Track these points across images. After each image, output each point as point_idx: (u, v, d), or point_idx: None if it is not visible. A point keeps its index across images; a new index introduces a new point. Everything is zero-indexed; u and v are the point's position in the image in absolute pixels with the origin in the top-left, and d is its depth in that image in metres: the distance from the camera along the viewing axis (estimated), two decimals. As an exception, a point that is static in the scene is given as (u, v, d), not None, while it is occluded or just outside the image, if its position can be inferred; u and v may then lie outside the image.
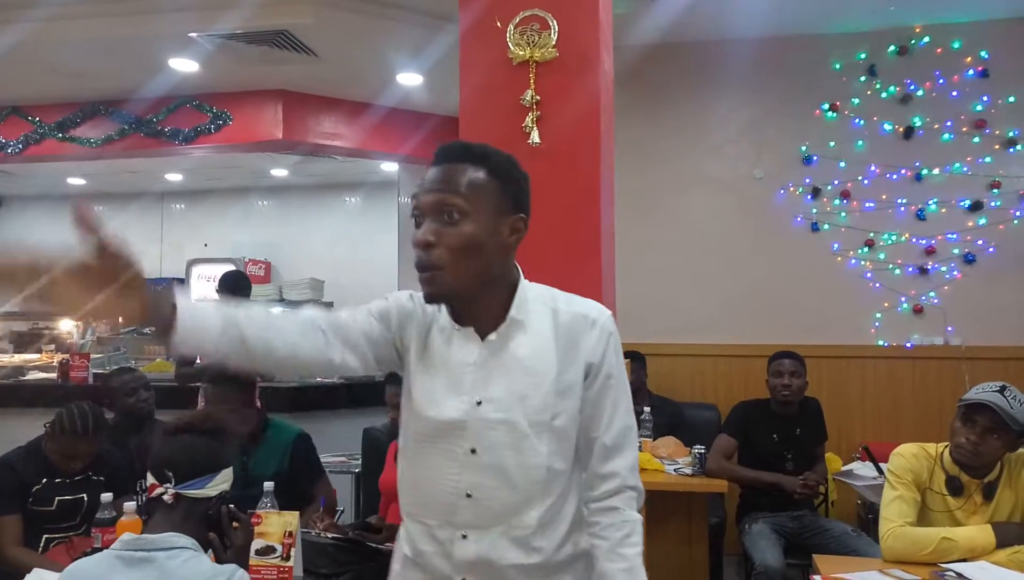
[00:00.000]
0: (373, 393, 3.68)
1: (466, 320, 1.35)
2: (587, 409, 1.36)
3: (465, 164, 1.29)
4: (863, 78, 4.53)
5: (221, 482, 1.68)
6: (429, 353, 1.37)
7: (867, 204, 4.50)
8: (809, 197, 4.57)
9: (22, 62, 4.68)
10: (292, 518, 2.00)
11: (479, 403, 1.32)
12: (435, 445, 1.35)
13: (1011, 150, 4.36)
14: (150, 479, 1.64)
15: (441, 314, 1.38)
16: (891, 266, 4.47)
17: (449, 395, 1.33)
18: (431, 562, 1.36)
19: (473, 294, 1.31)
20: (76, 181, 8.36)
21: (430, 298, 1.29)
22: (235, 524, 1.75)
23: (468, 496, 1.32)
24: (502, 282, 1.35)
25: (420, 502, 1.38)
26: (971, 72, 4.42)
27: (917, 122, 4.45)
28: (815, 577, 2.10)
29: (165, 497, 1.59)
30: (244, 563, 1.69)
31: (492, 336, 1.34)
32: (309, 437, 2.97)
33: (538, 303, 1.37)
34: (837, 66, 4.55)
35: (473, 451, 1.32)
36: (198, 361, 4.22)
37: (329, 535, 2.38)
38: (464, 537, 1.33)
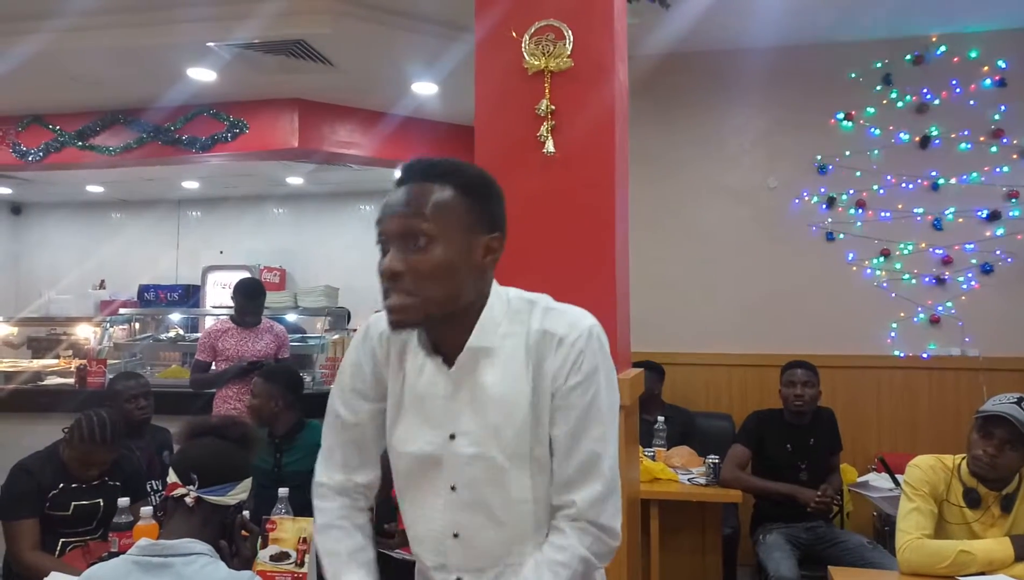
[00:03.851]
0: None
1: (437, 347, 1.27)
2: (552, 434, 1.24)
3: (431, 183, 1.18)
4: (879, 87, 4.51)
5: (241, 491, 1.69)
6: (404, 385, 1.30)
7: (883, 214, 4.48)
8: (824, 206, 4.55)
9: (43, 71, 4.75)
10: (307, 524, 2.00)
11: (452, 437, 1.24)
12: (417, 482, 1.29)
13: (1029, 160, 4.33)
14: (172, 477, 1.65)
15: (413, 339, 1.30)
16: (907, 276, 4.44)
17: (423, 429, 1.27)
18: None
19: (447, 317, 1.21)
20: (95, 189, 8.46)
21: (397, 328, 1.20)
22: (245, 533, 1.77)
23: (455, 536, 1.26)
24: (474, 307, 1.24)
25: (415, 540, 1.33)
26: (988, 81, 4.40)
27: (934, 131, 4.43)
28: (830, 589, 2.09)
29: (187, 499, 1.60)
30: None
31: (454, 367, 1.25)
32: None
33: (514, 322, 1.26)
34: (852, 75, 4.54)
35: (453, 488, 1.25)
36: (213, 366, 4.27)
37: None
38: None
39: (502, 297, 1.27)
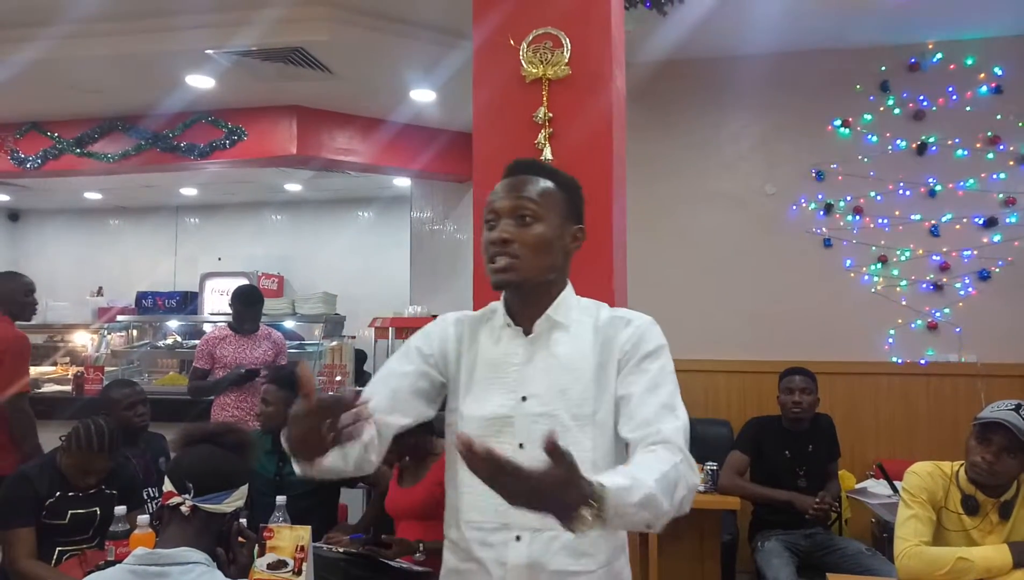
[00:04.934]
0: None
1: (518, 319, 1.47)
2: (625, 393, 1.38)
3: (537, 176, 1.45)
4: (875, 94, 4.52)
5: (237, 499, 1.69)
6: (479, 360, 1.48)
7: (880, 220, 4.49)
8: (821, 213, 4.56)
9: (42, 79, 4.75)
10: (304, 532, 2.00)
11: (524, 399, 1.41)
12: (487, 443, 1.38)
13: (1025, 166, 4.34)
14: (168, 485, 1.65)
15: (495, 317, 1.51)
16: (905, 282, 4.44)
17: (497, 393, 1.43)
18: (486, 567, 1.39)
19: (536, 288, 1.43)
20: (93, 196, 8.44)
21: (500, 285, 1.41)
22: (241, 539, 1.76)
23: None
24: (556, 286, 1.48)
25: (476, 505, 1.41)
26: (985, 88, 4.41)
27: (930, 138, 4.44)
28: (829, 596, 2.08)
29: (183, 508, 1.60)
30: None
31: (532, 334, 1.45)
32: None
33: (584, 313, 1.48)
34: (849, 82, 4.55)
35: (521, 446, 1.38)
36: (212, 375, 4.26)
37: (341, 550, 2.39)
38: (518, 539, 1.37)
39: (574, 292, 1.52)
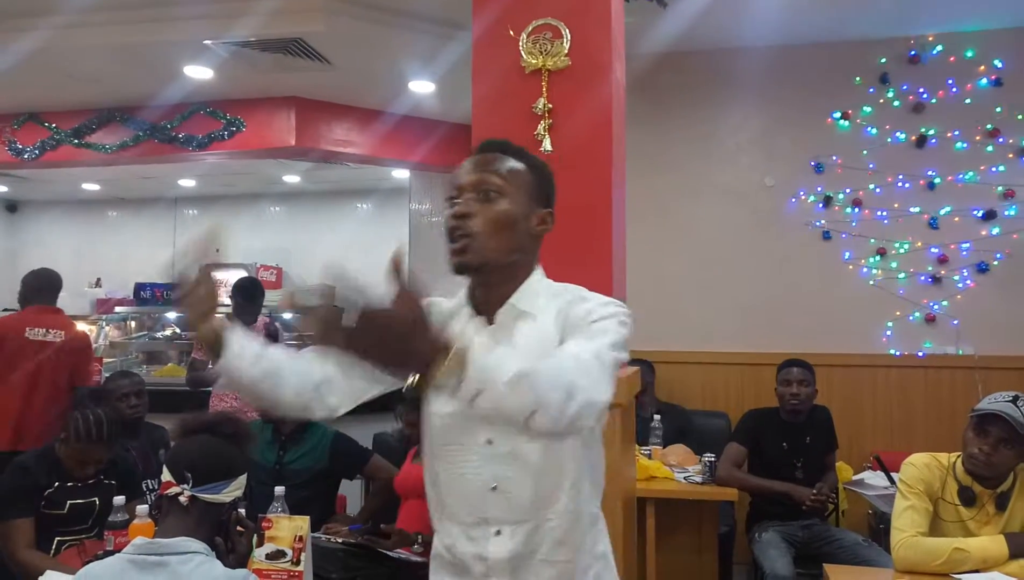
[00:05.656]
0: (385, 398, 3.72)
1: (481, 308, 1.37)
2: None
3: (505, 154, 1.37)
4: (875, 87, 4.52)
5: (236, 488, 1.69)
6: None
7: (879, 212, 4.48)
8: (820, 205, 4.56)
9: (40, 69, 4.73)
10: (303, 522, 2.00)
11: None
12: (455, 440, 1.34)
13: (1025, 159, 4.34)
14: (166, 475, 1.65)
15: (461, 312, 1.40)
16: (903, 275, 4.45)
17: None
18: (466, 564, 1.34)
19: (498, 271, 1.33)
20: (91, 187, 8.42)
21: (459, 268, 1.31)
22: (240, 529, 1.76)
23: (493, 489, 1.31)
24: (522, 272, 1.37)
25: (452, 502, 1.36)
26: (984, 81, 4.40)
27: (930, 131, 4.44)
28: (826, 587, 2.09)
29: (181, 498, 1.60)
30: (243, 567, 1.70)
31: (493, 325, 1.35)
32: (345, 435, 3.14)
33: (552, 299, 1.36)
34: (849, 74, 4.54)
35: (489, 442, 1.30)
36: (210, 366, 4.26)
37: (339, 540, 2.39)
38: (498, 534, 1.31)
39: (543, 277, 1.41)
